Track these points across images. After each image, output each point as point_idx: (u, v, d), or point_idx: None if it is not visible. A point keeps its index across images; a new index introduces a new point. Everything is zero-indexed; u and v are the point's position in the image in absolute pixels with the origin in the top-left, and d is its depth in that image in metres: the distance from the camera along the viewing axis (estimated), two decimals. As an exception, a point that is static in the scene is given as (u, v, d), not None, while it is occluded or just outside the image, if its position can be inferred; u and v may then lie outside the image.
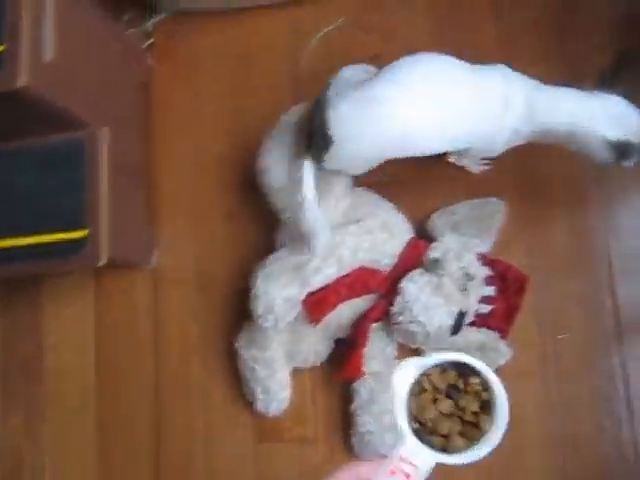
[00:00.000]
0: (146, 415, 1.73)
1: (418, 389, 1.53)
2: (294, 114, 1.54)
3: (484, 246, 1.58)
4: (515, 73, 1.39)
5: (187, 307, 1.75)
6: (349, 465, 1.56)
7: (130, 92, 1.80)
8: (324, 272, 1.46)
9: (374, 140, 1.38)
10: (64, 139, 1.59)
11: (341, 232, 1.49)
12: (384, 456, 1.50)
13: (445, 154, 1.59)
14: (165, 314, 1.76)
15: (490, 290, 1.55)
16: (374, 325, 1.52)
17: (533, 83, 1.38)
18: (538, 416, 1.54)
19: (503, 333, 1.56)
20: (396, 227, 1.54)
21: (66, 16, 1.48)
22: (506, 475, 1.53)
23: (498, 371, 1.52)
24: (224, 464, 1.67)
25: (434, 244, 1.53)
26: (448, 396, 1.53)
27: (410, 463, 1.46)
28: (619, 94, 1.34)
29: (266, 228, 1.64)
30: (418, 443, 1.49)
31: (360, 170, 1.49)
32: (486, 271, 1.54)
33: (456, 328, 1.46)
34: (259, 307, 1.47)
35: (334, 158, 1.39)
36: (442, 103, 1.35)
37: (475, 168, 1.64)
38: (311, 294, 1.48)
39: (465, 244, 1.53)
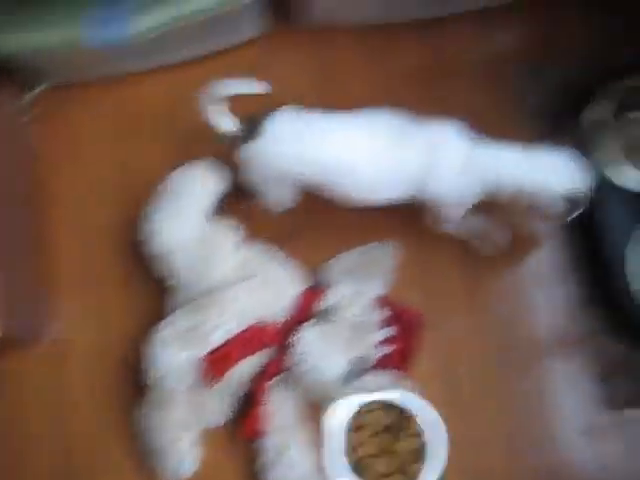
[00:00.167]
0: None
1: (356, 424, 1.50)
2: (175, 180, 1.56)
3: (378, 289, 1.61)
4: (458, 129, 1.47)
5: (86, 378, 1.69)
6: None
7: (14, 167, 1.76)
8: (217, 333, 1.46)
9: (303, 152, 1.43)
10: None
11: (234, 288, 1.49)
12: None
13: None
14: (64, 388, 1.70)
15: (387, 332, 1.56)
16: (275, 379, 1.51)
17: (479, 140, 1.46)
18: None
19: (402, 372, 1.57)
20: (289, 279, 1.55)
21: None
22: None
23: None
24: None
25: (327, 292, 1.54)
26: (387, 433, 1.51)
27: None
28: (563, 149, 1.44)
29: (160, 293, 1.61)
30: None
31: (274, 181, 1.51)
32: (381, 314, 1.55)
33: (355, 374, 1.47)
34: (158, 372, 1.45)
35: (258, 149, 1.43)
36: (378, 150, 1.43)
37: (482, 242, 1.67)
38: (210, 352, 1.46)
39: (358, 289, 1.55)
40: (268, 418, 1.50)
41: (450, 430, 1.40)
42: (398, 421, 1.48)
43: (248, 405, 1.52)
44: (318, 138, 1.44)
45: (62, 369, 1.69)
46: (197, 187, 1.55)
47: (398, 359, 1.61)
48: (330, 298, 1.50)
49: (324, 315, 1.48)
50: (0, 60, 1.69)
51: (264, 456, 1.51)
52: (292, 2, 1.80)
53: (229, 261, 1.52)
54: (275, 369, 1.48)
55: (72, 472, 1.62)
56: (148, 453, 1.55)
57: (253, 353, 1.49)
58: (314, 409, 1.55)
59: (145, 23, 1.64)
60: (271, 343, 1.49)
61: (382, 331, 1.55)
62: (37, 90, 1.88)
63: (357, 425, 1.46)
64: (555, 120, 1.79)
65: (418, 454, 1.46)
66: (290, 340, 1.46)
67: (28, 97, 1.87)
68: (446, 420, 1.41)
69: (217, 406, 1.55)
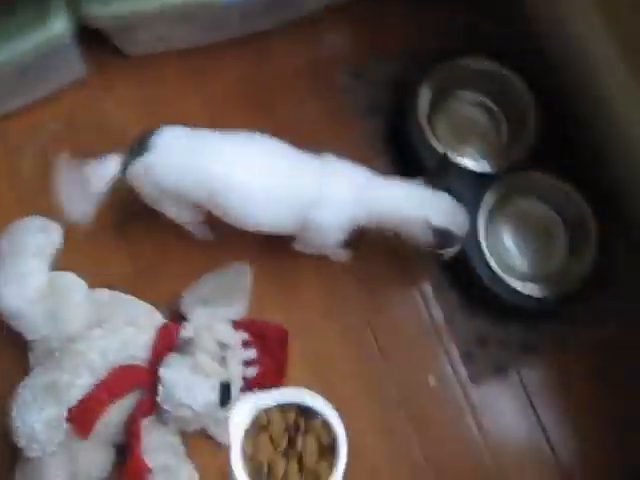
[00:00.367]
0: None
1: (256, 427, 1.50)
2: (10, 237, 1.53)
3: (236, 312, 1.62)
4: (342, 164, 1.48)
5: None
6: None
7: None
8: (77, 384, 1.44)
9: (187, 170, 1.41)
10: None
11: (86, 339, 1.47)
12: None
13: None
14: None
15: (251, 353, 1.57)
16: (149, 418, 1.50)
17: (365, 174, 1.48)
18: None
19: (279, 385, 1.59)
20: (143, 318, 1.55)
21: None
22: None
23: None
24: None
25: (184, 323, 1.54)
26: (287, 436, 1.52)
27: None
28: (443, 189, 1.48)
29: (21, 353, 1.57)
30: None
31: (168, 199, 1.49)
32: (241, 335, 1.56)
33: (224, 399, 1.47)
34: (21, 438, 1.42)
35: (147, 168, 1.40)
36: (270, 172, 1.43)
37: (337, 255, 1.67)
38: (73, 408, 1.44)
39: (215, 315, 1.56)
40: (150, 457, 1.47)
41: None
42: (297, 421, 1.49)
43: (126, 450, 1.49)
44: (206, 154, 1.42)
45: None
46: (35, 242, 1.52)
47: (272, 374, 1.63)
48: (188, 329, 1.51)
49: (184, 347, 1.47)
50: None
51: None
52: (114, 37, 1.78)
53: (80, 311, 1.50)
54: (146, 409, 1.47)
55: None
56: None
57: (121, 396, 1.47)
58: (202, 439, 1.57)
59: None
60: (138, 383, 1.48)
61: (247, 352, 1.56)
62: None
63: (258, 428, 1.45)
64: (387, 115, 1.83)
65: (321, 452, 1.46)
66: (155, 377, 1.45)
67: None
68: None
69: (96, 457, 1.52)
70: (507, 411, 1.68)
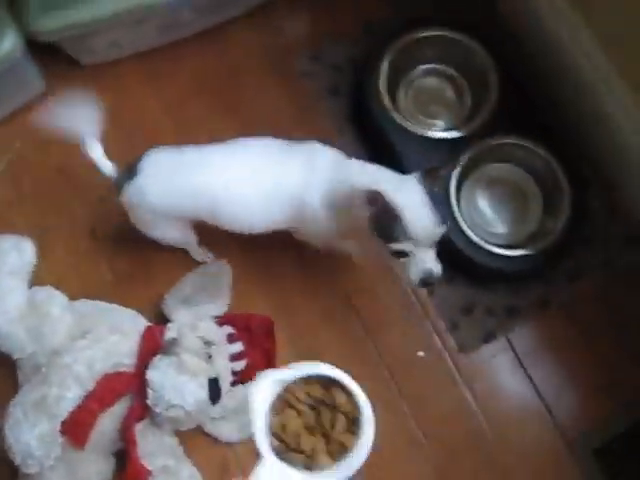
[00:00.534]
0: None
1: (280, 405, 1.48)
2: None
3: (219, 308, 1.63)
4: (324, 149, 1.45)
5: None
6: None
7: None
8: (67, 397, 1.44)
9: (176, 187, 1.42)
10: None
11: (71, 351, 1.47)
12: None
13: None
14: None
15: (237, 346, 1.58)
16: (143, 422, 1.50)
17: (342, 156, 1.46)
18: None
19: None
20: (126, 324, 1.55)
21: None
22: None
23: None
24: None
25: (168, 325, 1.54)
26: (312, 410, 1.50)
27: None
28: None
29: (10, 371, 1.59)
30: (278, 464, 1.42)
31: (160, 219, 1.49)
32: (226, 330, 1.57)
33: (214, 396, 1.48)
34: (17, 456, 1.43)
35: (139, 190, 1.41)
36: (257, 175, 1.42)
37: (346, 248, 1.67)
38: (65, 421, 1.45)
39: (197, 314, 1.56)
40: (148, 460, 1.48)
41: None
42: (322, 394, 1.47)
43: (126, 454, 1.50)
44: (194, 169, 1.43)
45: None
46: (9, 260, 1.52)
47: (262, 364, 1.63)
48: (171, 330, 1.51)
49: (169, 348, 1.48)
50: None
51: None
52: (67, 49, 1.77)
53: (62, 325, 1.51)
54: (138, 414, 1.48)
55: None
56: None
57: (111, 404, 1.48)
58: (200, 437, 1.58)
59: None
60: (128, 390, 1.48)
61: (233, 346, 1.57)
62: None
63: (283, 403, 1.43)
64: (349, 95, 1.83)
65: (348, 424, 1.43)
66: (143, 381, 1.46)
67: None
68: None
69: (95, 467, 1.54)
70: (499, 375, 1.69)
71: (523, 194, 1.75)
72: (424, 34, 1.75)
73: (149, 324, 1.58)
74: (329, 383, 1.38)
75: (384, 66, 1.72)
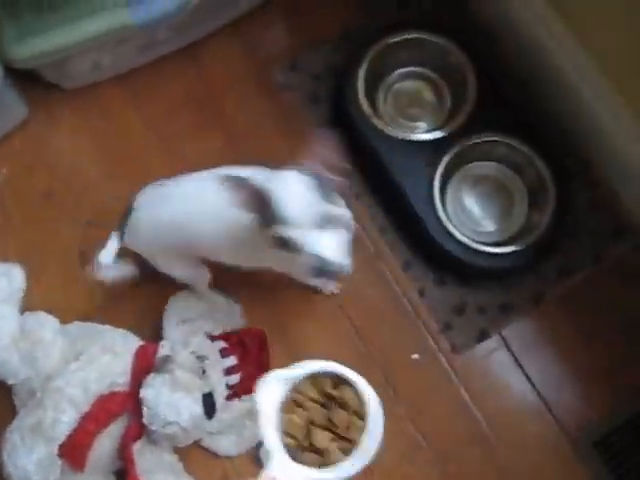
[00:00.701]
0: None
1: (289, 405, 1.47)
2: None
3: (213, 324, 1.62)
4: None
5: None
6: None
7: None
8: (62, 420, 1.45)
9: (165, 220, 1.41)
10: None
11: (64, 374, 1.48)
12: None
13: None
14: None
15: (231, 360, 1.58)
16: (141, 441, 1.51)
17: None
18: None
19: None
20: (118, 344, 1.56)
21: None
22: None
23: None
24: None
25: (161, 342, 1.55)
26: (321, 408, 1.50)
27: None
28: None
29: (9, 396, 1.59)
30: (289, 461, 1.42)
31: (162, 254, 1.49)
32: (219, 345, 1.57)
33: (209, 410, 1.48)
34: (17, 477, 1.44)
35: (134, 229, 1.42)
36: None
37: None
38: (63, 444, 1.45)
39: (189, 329, 1.57)
40: (148, 478, 1.49)
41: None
42: (330, 392, 1.46)
43: (125, 474, 1.50)
44: (172, 201, 1.42)
45: None
46: (1, 287, 1.54)
47: (258, 376, 1.62)
48: (164, 347, 1.52)
49: (162, 365, 1.48)
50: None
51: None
52: (46, 75, 1.79)
53: (54, 349, 1.52)
54: (135, 433, 1.49)
55: None
56: None
57: (107, 425, 1.48)
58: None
59: None
60: (122, 409, 1.49)
61: (227, 360, 1.57)
62: None
63: (292, 403, 1.42)
64: (329, 102, 1.84)
65: (358, 422, 1.42)
66: (138, 400, 1.46)
67: None
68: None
69: (95, 488, 1.54)
70: (495, 374, 1.69)
71: (508, 191, 1.75)
72: (398, 38, 1.76)
73: (142, 343, 1.58)
74: (337, 381, 1.38)
75: (361, 72, 1.73)
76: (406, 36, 1.78)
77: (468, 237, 1.66)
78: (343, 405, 1.37)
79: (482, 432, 1.64)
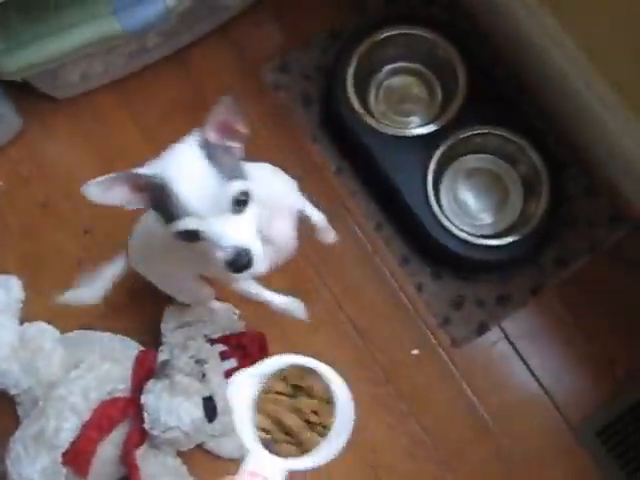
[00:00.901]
0: None
1: (262, 401, 1.48)
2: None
3: (211, 328, 1.62)
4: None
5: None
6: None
7: None
8: (65, 428, 1.46)
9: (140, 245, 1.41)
10: None
11: (65, 382, 1.49)
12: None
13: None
14: None
15: (231, 363, 1.59)
16: (144, 446, 1.52)
17: None
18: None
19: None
20: (117, 351, 1.57)
21: None
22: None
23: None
24: None
25: (160, 348, 1.56)
26: (291, 398, 1.50)
27: (260, 475, 1.39)
28: None
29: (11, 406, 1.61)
30: (265, 454, 1.43)
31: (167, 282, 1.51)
32: (218, 348, 1.58)
33: (210, 413, 1.49)
34: (22, 487, 1.45)
35: (130, 250, 1.44)
36: None
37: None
38: (67, 452, 1.46)
39: (189, 333, 1.57)
40: (152, 482, 1.49)
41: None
42: (299, 384, 1.46)
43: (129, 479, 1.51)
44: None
45: None
46: (1, 298, 1.55)
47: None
48: (164, 352, 1.52)
49: (161, 371, 1.49)
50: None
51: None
52: (39, 86, 1.80)
53: (55, 358, 1.53)
54: (136, 439, 1.49)
55: None
56: None
57: (110, 431, 1.49)
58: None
59: None
60: (124, 415, 1.50)
61: (225, 363, 1.58)
62: None
63: (263, 399, 1.43)
64: (320, 101, 1.84)
65: (328, 410, 1.42)
66: (139, 406, 1.47)
67: None
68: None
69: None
70: (496, 366, 1.69)
71: (502, 182, 1.75)
72: (385, 34, 1.75)
73: (141, 349, 1.59)
74: (303, 372, 1.38)
75: (350, 71, 1.73)
76: (391, 32, 1.77)
77: (464, 230, 1.66)
78: (310, 393, 1.38)
79: (485, 425, 1.64)
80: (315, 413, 1.34)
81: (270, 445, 1.31)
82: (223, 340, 1.61)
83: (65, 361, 1.54)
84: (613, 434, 1.59)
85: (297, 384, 1.36)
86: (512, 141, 1.68)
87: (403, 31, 1.77)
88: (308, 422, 1.34)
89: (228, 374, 1.59)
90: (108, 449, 1.50)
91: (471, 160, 1.75)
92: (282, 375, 1.39)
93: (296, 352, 1.65)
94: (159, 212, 1.02)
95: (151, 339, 1.64)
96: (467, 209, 1.73)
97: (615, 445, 1.59)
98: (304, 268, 1.72)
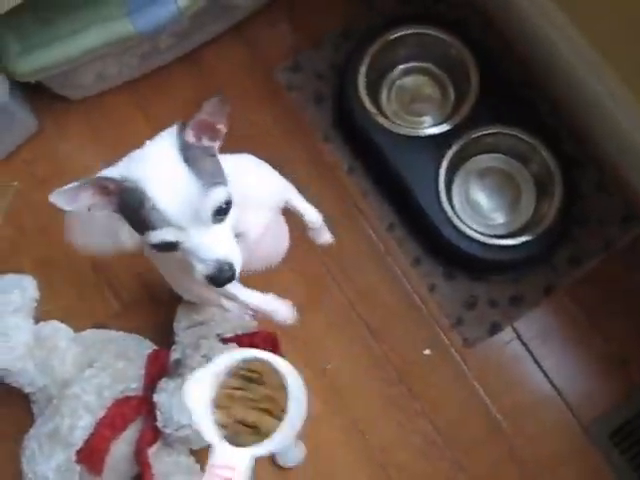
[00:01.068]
0: None
1: (219, 399, 1.48)
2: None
3: (224, 327, 1.63)
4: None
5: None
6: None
7: None
8: (79, 426, 1.47)
9: None
10: None
11: (79, 381, 1.50)
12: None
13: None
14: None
15: (241, 363, 1.59)
16: (157, 445, 1.53)
17: None
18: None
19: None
20: (131, 350, 1.58)
21: None
22: None
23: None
24: None
25: (173, 347, 1.56)
26: (244, 391, 1.50)
27: (227, 467, 1.40)
28: None
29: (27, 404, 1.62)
30: (227, 446, 1.43)
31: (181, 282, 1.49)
32: (230, 348, 1.58)
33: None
34: (36, 484, 1.46)
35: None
36: None
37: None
38: (80, 450, 1.47)
39: (201, 332, 1.58)
40: (167, 480, 1.50)
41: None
42: (252, 376, 1.46)
43: (142, 478, 1.52)
44: None
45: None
46: (12, 299, 1.56)
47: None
48: (176, 351, 1.53)
49: (174, 370, 1.50)
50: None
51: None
52: (54, 87, 1.81)
53: (69, 357, 1.54)
54: (150, 437, 1.50)
55: None
56: None
57: (123, 429, 1.50)
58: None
59: None
60: (137, 413, 1.51)
61: (236, 362, 1.58)
62: None
63: (221, 397, 1.43)
64: (332, 100, 1.84)
65: (277, 393, 1.41)
66: (152, 404, 1.48)
67: None
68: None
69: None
70: (509, 366, 1.68)
71: (515, 182, 1.74)
72: (397, 34, 1.75)
73: (154, 348, 1.59)
74: (258, 365, 1.38)
75: (362, 70, 1.73)
76: (407, 31, 1.76)
77: (476, 230, 1.66)
78: (261, 382, 1.38)
79: (497, 425, 1.64)
80: (271, 399, 1.35)
81: (233, 439, 1.27)
82: (235, 339, 1.61)
83: (79, 360, 1.55)
84: (627, 435, 1.58)
85: (249, 376, 1.37)
86: (524, 140, 1.68)
87: (415, 30, 1.77)
88: (265, 410, 1.35)
89: (239, 373, 1.58)
90: (122, 447, 1.51)
91: (483, 160, 1.74)
92: (234, 371, 1.40)
93: (308, 352, 1.69)
94: (127, 218, 0.95)
95: (164, 338, 1.64)
96: (479, 209, 1.72)
97: (628, 447, 1.58)
98: (316, 269, 1.71)
